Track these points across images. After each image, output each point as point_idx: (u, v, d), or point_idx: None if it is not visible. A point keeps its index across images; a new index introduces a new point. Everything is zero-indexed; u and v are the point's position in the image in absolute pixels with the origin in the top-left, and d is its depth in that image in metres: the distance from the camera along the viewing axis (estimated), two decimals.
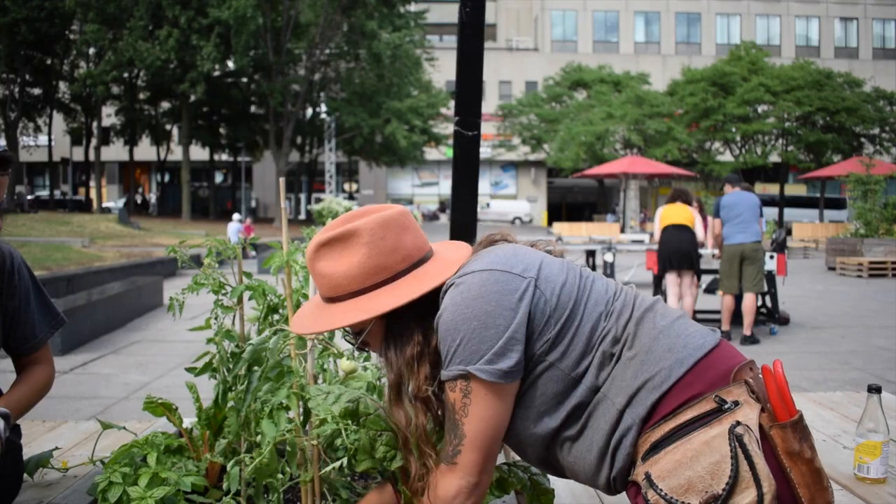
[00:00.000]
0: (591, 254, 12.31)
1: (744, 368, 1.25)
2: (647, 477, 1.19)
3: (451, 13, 38.88)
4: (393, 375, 1.33)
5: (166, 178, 45.12)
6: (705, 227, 7.96)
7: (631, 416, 1.23)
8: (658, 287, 7.79)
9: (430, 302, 1.31)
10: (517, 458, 1.58)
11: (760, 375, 1.25)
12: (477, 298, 1.24)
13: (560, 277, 1.30)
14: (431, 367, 1.31)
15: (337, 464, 1.49)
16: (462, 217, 2.29)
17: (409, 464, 1.38)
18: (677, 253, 7.21)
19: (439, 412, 1.36)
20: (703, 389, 1.21)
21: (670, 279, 7.33)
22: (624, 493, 1.34)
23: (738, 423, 1.17)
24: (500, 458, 1.61)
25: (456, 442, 1.26)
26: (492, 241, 1.42)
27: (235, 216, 21.44)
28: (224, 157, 42.34)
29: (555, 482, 1.63)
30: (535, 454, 1.37)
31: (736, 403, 1.19)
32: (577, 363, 1.26)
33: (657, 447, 1.20)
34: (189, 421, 1.91)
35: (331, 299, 1.35)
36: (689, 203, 7.52)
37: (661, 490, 1.16)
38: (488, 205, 40.28)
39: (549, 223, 37.58)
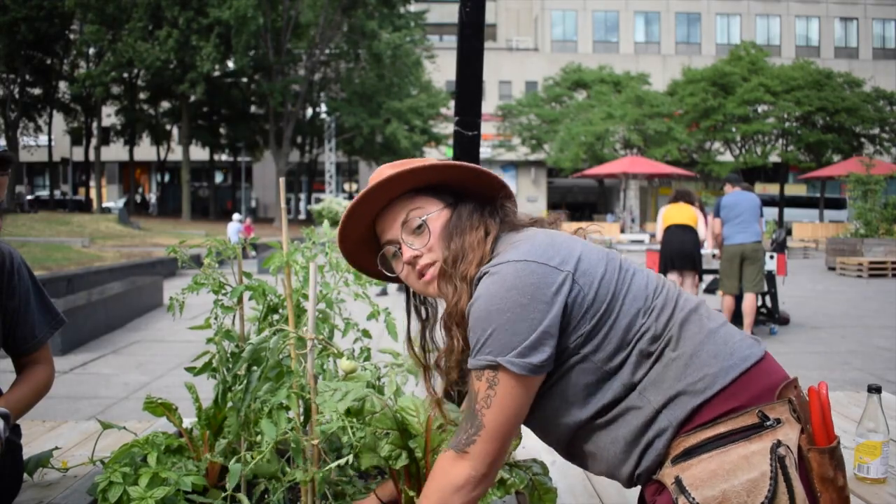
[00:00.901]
0: None
1: (789, 386, 1.23)
2: (679, 482, 1.17)
3: (451, 13, 38.89)
4: (450, 255, 1.33)
5: (166, 178, 45.13)
6: (707, 225, 7.96)
7: (668, 417, 1.21)
8: None
9: (488, 204, 1.39)
10: (517, 457, 1.58)
11: (804, 395, 1.24)
12: (511, 290, 1.22)
13: (599, 269, 1.27)
14: (482, 258, 1.31)
15: (342, 461, 1.48)
16: None
17: (450, 340, 1.36)
18: (680, 253, 7.21)
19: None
20: (747, 402, 1.19)
21: (671, 279, 7.33)
22: (626, 488, 1.33)
23: (780, 442, 1.15)
24: None
25: (472, 431, 1.24)
26: (530, 224, 1.41)
27: (235, 216, 21.44)
28: (224, 157, 42.34)
29: (555, 482, 1.63)
30: (557, 441, 1.36)
31: (778, 421, 1.17)
32: (611, 357, 1.24)
33: (690, 453, 1.18)
34: (189, 421, 1.91)
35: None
36: (691, 203, 7.52)
37: (693, 498, 1.14)
38: None
39: None
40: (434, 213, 1.36)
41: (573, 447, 1.35)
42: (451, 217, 1.36)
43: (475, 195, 1.40)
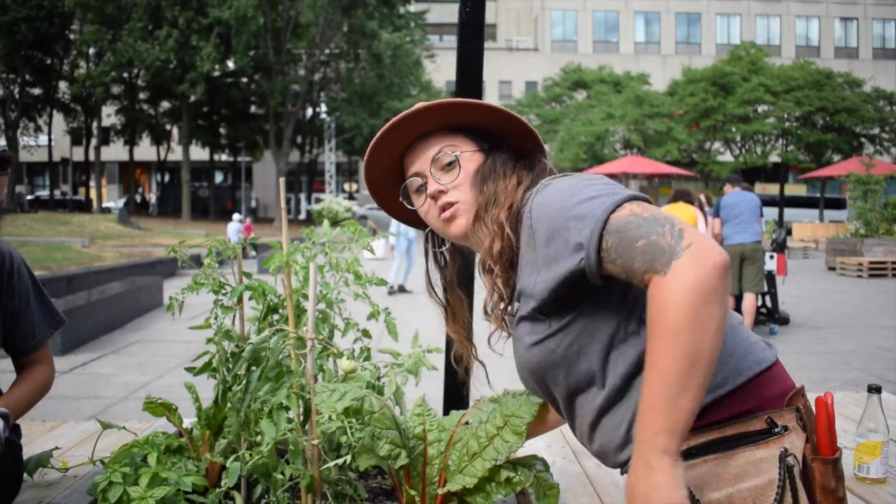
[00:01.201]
0: None
1: (797, 394, 1.21)
2: None
3: (451, 13, 38.90)
4: (482, 199, 1.29)
5: (166, 178, 45.14)
6: (707, 225, 7.96)
7: None
8: None
9: (523, 158, 1.34)
10: (519, 455, 1.58)
11: (811, 404, 1.23)
12: (582, 180, 1.18)
13: None
14: (512, 204, 1.27)
15: (339, 461, 1.48)
16: None
17: (489, 285, 1.30)
18: None
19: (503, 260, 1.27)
20: (756, 407, 1.17)
21: None
22: (611, 468, 1.29)
23: (787, 451, 1.14)
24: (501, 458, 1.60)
25: (668, 226, 1.08)
26: None
27: (235, 216, 21.45)
28: (224, 157, 42.36)
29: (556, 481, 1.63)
30: (566, 388, 1.25)
31: (785, 429, 1.16)
32: (630, 316, 1.18)
33: (694, 453, 1.15)
34: (189, 421, 1.91)
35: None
36: (691, 203, 7.53)
37: (697, 500, 1.13)
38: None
39: None
40: (468, 153, 1.33)
41: (573, 416, 1.28)
42: (486, 161, 1.32)
43: (511, 145, 1.36)
